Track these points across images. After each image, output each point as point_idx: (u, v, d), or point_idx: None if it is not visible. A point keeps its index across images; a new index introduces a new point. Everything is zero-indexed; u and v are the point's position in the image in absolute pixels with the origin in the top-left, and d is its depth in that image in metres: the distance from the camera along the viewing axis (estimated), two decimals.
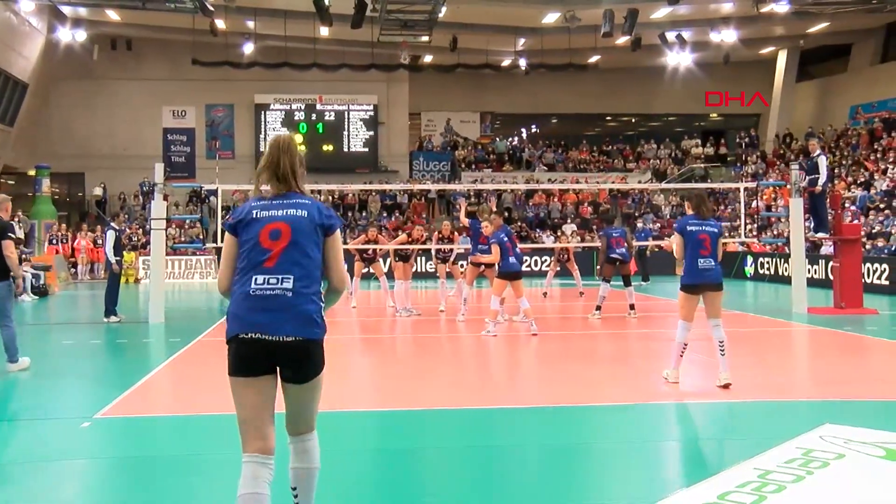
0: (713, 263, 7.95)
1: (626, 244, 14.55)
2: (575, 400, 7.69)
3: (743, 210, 19.62)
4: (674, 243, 8.14)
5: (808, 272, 19.24)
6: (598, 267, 13.85)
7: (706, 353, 10.36)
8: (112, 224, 15.00)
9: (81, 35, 29.51)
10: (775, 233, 25.32)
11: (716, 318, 8.05)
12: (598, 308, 14.23)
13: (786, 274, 21.44)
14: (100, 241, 27.48)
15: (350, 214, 31.94)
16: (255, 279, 3.55)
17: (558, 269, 20.55)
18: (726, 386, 7.84)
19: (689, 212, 8.37)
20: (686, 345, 8.15)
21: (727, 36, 29.57)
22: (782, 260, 22.93)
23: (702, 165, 35.51)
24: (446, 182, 34.25)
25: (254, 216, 3.66)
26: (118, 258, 14.63)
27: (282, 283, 3.53)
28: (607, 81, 36.45)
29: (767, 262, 24.62)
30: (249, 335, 3.54)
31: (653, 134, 38.96)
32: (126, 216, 30.82)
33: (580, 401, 7.66)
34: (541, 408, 7.31)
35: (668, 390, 7.99)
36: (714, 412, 7.21)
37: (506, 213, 32.20)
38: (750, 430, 6.54)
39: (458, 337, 12.60)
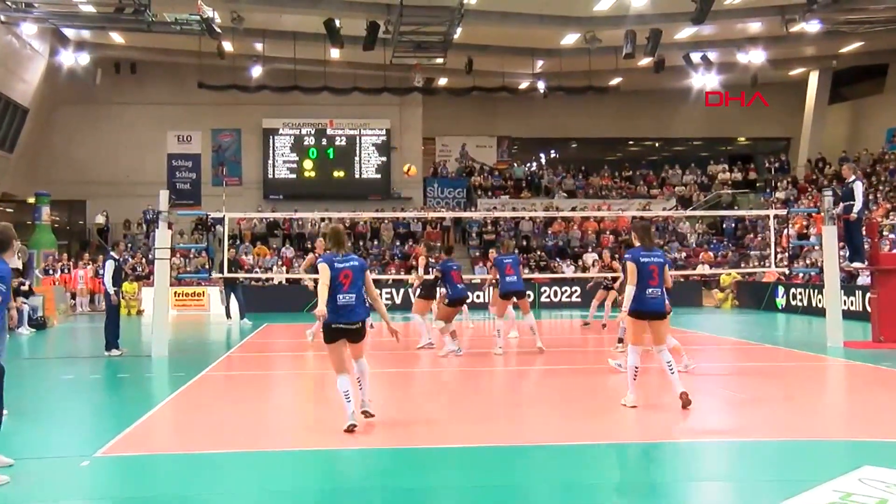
0: (659, 292, 8.74)
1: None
2: (592, 438, 7.63)
3: (773, 238, 19.50)
4: (627, 272, 8.83)
5: (844, 304, 19.07)
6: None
7: (735, 389, 10.27)
8: (112, 253, 14.82)
9: (84, 58, 29.90)
10: (808, 262, 25.17)
11: (660, 345, 8.83)
12: (621, 341, 14.12)
13: (820, 305, 21.27)
14: (102, 272, 27.61)
15: (361, 244, 32.02)
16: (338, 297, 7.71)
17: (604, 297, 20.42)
18: (683, 395, 8.52)
19: (636, 243, 9.04)
20: (638, 368, 8.81)
21: (755, 57, 29.60)
22: (816, 291, 22.78)
23: (729, 192, 35.43)
24: (462, 209, 34.26)
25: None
26: (116, 289, 14.57)
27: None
28: (629, 104, 36.51)
29: (800, 293, 24.46)
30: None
31: (677, 159, 38.94)
32: (129, 245, 31.05)
33: (597, 438, 7.60)
34: (554, 446, 7.27)
35: (695, 428, 7.92)
36: (744, 451, 7.13)
37: (523, 242, 32.26)
38: (782, 471, 6.46)
39: (495, 371, 12.56)
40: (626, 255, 9.04)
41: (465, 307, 16.52)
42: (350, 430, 7.65)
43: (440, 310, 14.09)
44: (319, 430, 8.31)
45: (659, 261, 8.82)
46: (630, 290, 8.71)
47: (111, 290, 14.41)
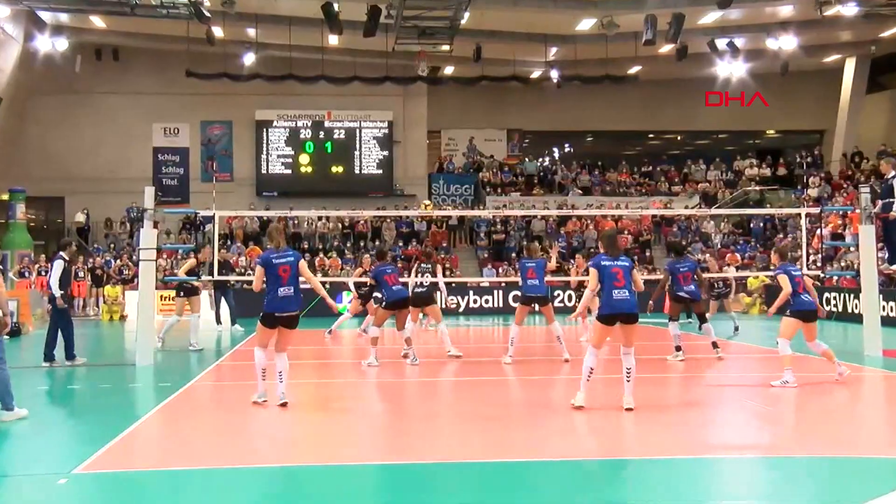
0: (627, 294, 9.29)
1: (695, 280, 14.41)
2: (623, 453, 7.58)
3: (805, 239, 19.41)
4: (589, 277, 9.48)
5: (883, 309, 18.97)
6: (651, 303, 13.74)
7: (764, 401, 10.21)
8: (62, 254, 14.21)
9: (62, 44, 29.88)
10: (843, 265, 25.05)
11: (629, 348, 9.39)
12: (679, 349, 14.06)
13: (856, 311, 21.17)
14: (81, 274, 27.65)
15: (362, 244, 32.00)
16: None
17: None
18: (629, 409, 9.03)
19: (602, 251, 9.72)
20: (593, 370, 9.42)
21: (786, 43, 29.50)
22: (852, 295, 22.67)
23: (757, 188, 35.33)
24: (469, 207, 34.24)
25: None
26: (63, 292, 14.04)
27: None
28: (649, 95, 36.49)
29: (834, 298, 24.35)
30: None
31: (701, 153, 38.88)
32: (111, 245, 31.08)
33: (628, 454, 7.55)
34: (587, 461, 7.24)
35: (722, 443, 7.86)
36: (775, 468, 7.07)
37: (536, 242, 32.12)
38: (817, 490, 6.41)
39: (506, 381, 12.52)
40: (589, 263, 9.77)
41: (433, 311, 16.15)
42: (261, 403, 9.73)
43: (377, 314, 14.52)
44: (313, 444, 8.31)
45: (623, 264, 9.47)
46: (588, 295, 9.62)
47: (57, 293, 13.87)
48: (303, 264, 9.86)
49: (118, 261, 29.28)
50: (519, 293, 14.66)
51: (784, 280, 11.36)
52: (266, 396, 9.87)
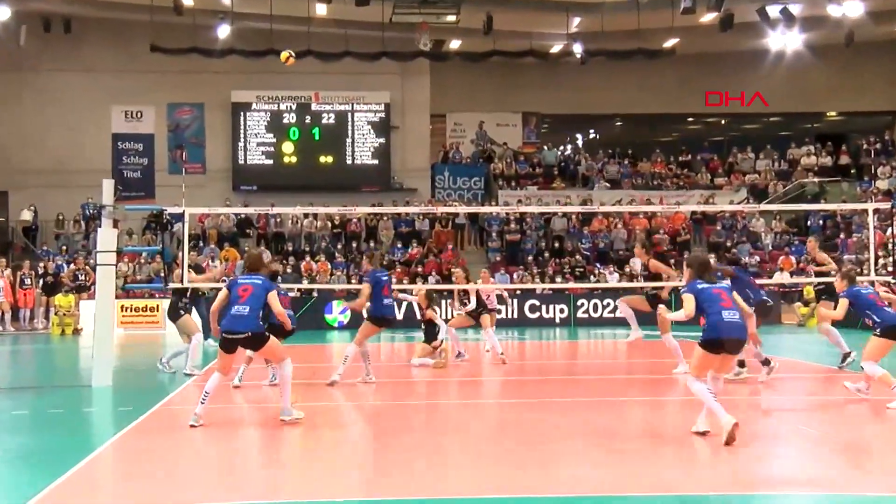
0: (738, 316, 9.36)
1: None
2: (654, 487, 7.42)
3: (872, 238, 19.21)
4: (684, 303, 9.58)
5: None
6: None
7: (819, 427, 10.04)
8: None
9: (4, 13, 29.69)
10: None
11: (723, 373, 9.88)
12: (767, 363, 13.74)
13: None
14: (28, 281, 27.52)
15: (354, 245, 31.84)
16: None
17: None
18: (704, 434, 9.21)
19: (688, 279, 9.86)
20: (712, 391, 9.29)
21: (850, 9, 29.33)
22: None
23: (815, 180, 35.18)
24: (479, 203, 34.09)
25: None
26: None
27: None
28: (688, 72, 36.40)
29: None
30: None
31: (749, 139, 38.77)
32: (63, 248, 30.96)
33: (663, 488, 7.40)
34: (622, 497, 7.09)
35: (779, 476, 7.69)
36: None
37: (555, 244, 32.08)
38: None
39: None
40: (683, 290, 9.93)
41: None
42: (193, 425, 10.07)
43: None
44: (297, 477, 8.22)
45: (725, 286, 9.79)
46: (678, 315, 9.70)
47: None
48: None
49: (71, 265, 29.16)
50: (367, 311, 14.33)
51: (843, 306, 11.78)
52: (196, 422, 10.18)
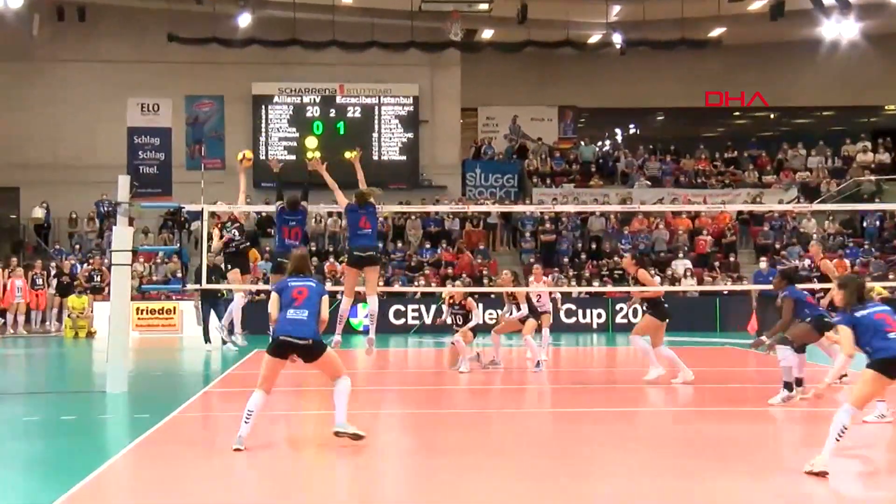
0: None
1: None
2: None
3: None
4: (841, 338, 8.82)
5: None
6: (754, 328, 13.33)
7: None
8: None
9: (16, 1, 29.92)
10: None
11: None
12: (800, 384, 13.24)
13: None
14: (39, 281, 27.66)
15: (381, 245, 31.81)
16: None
17: None
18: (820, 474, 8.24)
19: (840, 303, 9.05)
20: (846, 429, 8.40)
21: None
22: None
23: (871, 178, 34.77)
24: (512, 202, 33.97)
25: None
26: None
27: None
28: (735, 63, 36.13)
29: None
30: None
31: (800, 135, 38.40)
32: (77, 247, 31.11)
33: None
34: None
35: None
36: None
37: (592, 245, 31.94)
38: None
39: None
40: (836, 319, 9.46)
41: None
42: (237, 449, 9.42)
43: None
44: (318, 490, 8.22)
45: (885, 308, 8.91)
46: (842, 361, 8.90)
47: None
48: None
49: (86, 265, 29.28)
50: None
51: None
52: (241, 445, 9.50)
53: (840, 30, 31.84)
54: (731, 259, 31.33)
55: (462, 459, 9.31)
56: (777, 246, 31.36)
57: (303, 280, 10.06)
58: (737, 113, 39.95)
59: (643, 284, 15.18)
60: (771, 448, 10.32)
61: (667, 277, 29.03)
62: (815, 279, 17.66)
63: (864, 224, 33.03)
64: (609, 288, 27.70)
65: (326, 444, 9.92)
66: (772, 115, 40.14)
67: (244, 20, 30.95)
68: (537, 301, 17.79)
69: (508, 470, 8.87)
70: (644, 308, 15.52)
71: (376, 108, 34.77)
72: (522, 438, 10.90)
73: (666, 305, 15.11)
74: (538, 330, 17.47)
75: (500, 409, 13.32)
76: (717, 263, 30.72)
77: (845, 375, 13.54)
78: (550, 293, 19.06)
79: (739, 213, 32.49)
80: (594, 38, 34.02)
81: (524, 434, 11.30)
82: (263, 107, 34.56)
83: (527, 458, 9.52)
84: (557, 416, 12.75)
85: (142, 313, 27.31)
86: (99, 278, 28.37)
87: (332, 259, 30.16)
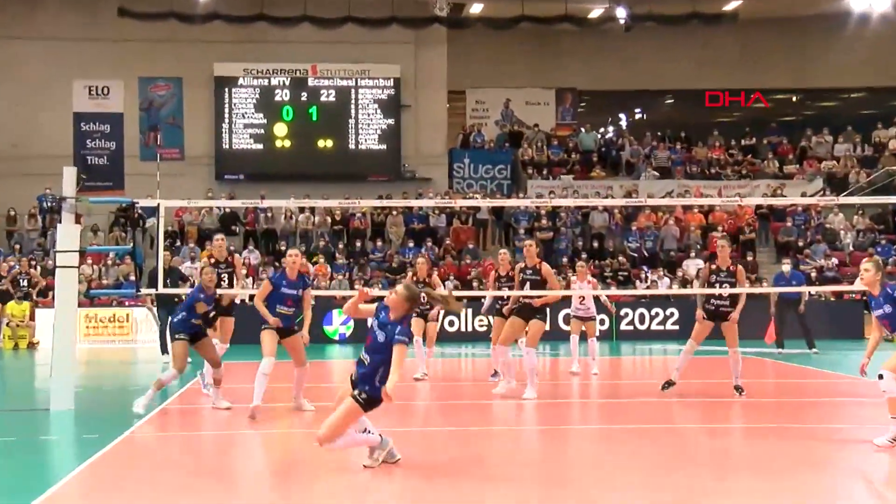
0: None
1: None
2: None
3: None
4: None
5: None
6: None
7: None
8: None
9: None
10: None
11: None
12: None
13: None
14: None
15: (359, 244, 31.79)
16: None
17: None
18: None
19: None
20: None
21: None
22: None
23: None
24: (505, 195, 33.97)
25: None
26: None
27: None
28: (752, 40, 36.31)
29: None
30: None
31: (825, 120, 38.59)
32: (16, 247, 30.93)
33: None
34: None
35: None
36: None
37: (594, 244, 31.96)
38: None
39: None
40: None
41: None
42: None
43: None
44: None
45: None
46: None
47: None
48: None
49: (16, 267, 29.02)
50: None
51: None
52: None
53: (870, 2, 31.91)
54: (749, 258, 31.31)
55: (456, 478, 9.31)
56: (800, 244, 31.42)
57: None
58: (754, 95, 40.04)
59: (545, 281, 14.95)
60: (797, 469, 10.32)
61: (677, 278, 29.05)
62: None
63: None
64: (613, 291, 27.71)
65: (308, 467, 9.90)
66: (794, 98, 40.27)
67: None
68: (580, 304, 17.88)
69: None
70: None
71: (353, 91, 34.72)
72: (514, 456, 10.90)
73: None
74: (584, 338, 18.06)
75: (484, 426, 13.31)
76: (738, 265, 30.66)
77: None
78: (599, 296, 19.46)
79: (758, 207, 32.54)
80: (596, 13, 34.06)
81: (513, 452, 11.30)
82: (227, 90, 34.47)
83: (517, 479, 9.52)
84: (556, 434, 12.74)
85: (90, 321, 27.22)
86: (26, 282, 28.03)
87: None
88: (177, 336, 13.80)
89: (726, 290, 15.39)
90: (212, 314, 14.13)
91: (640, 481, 9.36)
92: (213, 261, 15.97)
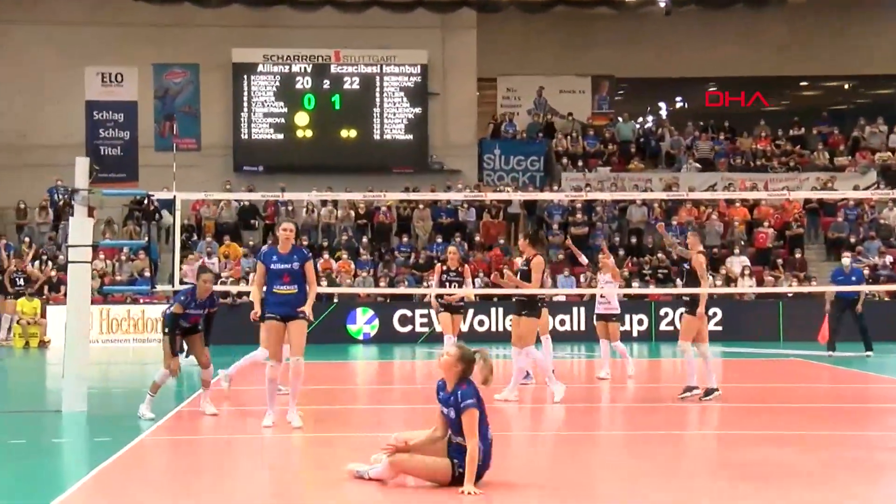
0: None
1: None
2: None
3: None
4: None
5: None
6: None
7: None
8: None
9: None
10: None
11: None
12: None
13: None
14: None
15: (383, 240, 31.79)
16: None
17: None
18: None
19: None
20: None
21: None
22: None
23: None
24: (537, 188, 33.91)
25: None
26: None
27: None
28: (801, 24, 36.13)
29: None
30: None
31: (880, 108, 38.36)
32: (26, 241, 31.06)
33: None
34: None
35: None
36: None
37: (632, 239, 31.87)
38: None
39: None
40: None
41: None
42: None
43: None
44: None
45: None
46: None
47: None
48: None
49: (24, 257, 29.16)
50: None
51: None
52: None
53: None
54: (797, 256, 31.22)
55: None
56: (852, 240, 31.22)
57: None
58: (804, 83, 39.83)
59: (530, 273, 14.85)
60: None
61: (720, 276, 28.92)
62: None
63: None
64: (652, 290, 27.62)
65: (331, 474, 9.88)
66: (846, 85, 40.00)
67: None
68: (601, 299, 17.84)
69: None
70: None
71: (378, 78, 34.72)
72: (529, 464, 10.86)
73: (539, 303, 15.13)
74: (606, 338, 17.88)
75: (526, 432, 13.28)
76: (780, 261, 30.57)
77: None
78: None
79: (807, 201, 32.39)
80: None
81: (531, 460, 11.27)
82: (245, 77, 34.53)
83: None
84: (585, 440, 12.69)
85: (104, 319, 27.30)
86: (21, 282, 28.11)
87: (325, 255, 30.05)
88: (166, 332, 13.73)
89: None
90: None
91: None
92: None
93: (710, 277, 17.37)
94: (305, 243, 30.69)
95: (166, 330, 13.67)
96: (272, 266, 12.52)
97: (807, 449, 11.33)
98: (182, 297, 13.61)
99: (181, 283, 15.92)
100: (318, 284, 13.41)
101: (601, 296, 17.94)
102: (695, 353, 14.70)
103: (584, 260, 20.03)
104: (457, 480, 8.82)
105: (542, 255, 15.04)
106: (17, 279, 28.23)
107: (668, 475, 10.01)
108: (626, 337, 27.96)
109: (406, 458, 9.01)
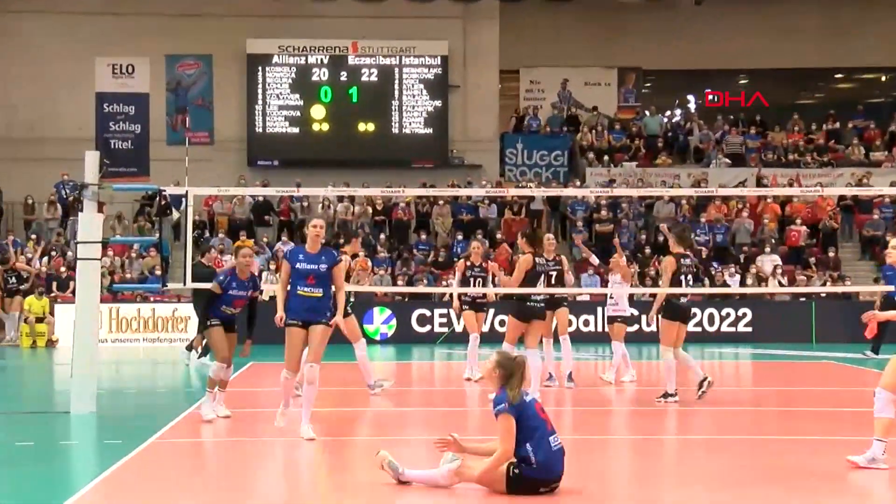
0: None
1: None
2: None
3: None
4: None
5: None
6: None
7: None
8: None
9: None
10: None
11: None
12: None
13: None
14: None
15: (401, 237, 31.81)
16: None
17: None
18: None
19: None
20: None
21: None
22: None
23: None
24: (561, 184, 33.88)
25: None
26: None
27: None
28: (837, 13, 36.08)
29: None
30: None
31: None
32: (33, 237, 31.18)
33: None
34: None
35: None
36: None
37: (658, 238, 31.75)
38: None
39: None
40: None
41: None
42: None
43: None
44: None
45: None
46: None
47: None
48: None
49: (43, 259, 29.28)
50: None
51: None
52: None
53: None
54: (831, 254, 31.14)
55: None
56: (888, 238, 31.10)
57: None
58: (839, 75, 39.70)
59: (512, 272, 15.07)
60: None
61: (751, 275, 28.87)
62: None
63: None
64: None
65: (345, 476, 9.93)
66: (883, 77, 39.82)
67: None
68: (610, 300, 17.86)
69: None
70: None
71: (396, 70, 34.76)
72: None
73: (529, 304, 14.98)
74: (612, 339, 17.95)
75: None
76: (812, 259, 30.49)
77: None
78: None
79: (841, 197, 32.29)
80: None
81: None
82: (260, 69, 34.60)
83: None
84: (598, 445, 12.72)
85: (113, 317, 27.36)
86: (15, 280, 28.08)
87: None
88: (210, 322, 13.43)
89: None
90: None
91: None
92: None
93: (709, 281, 17.17)
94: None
95: (211, 322, 13.32)
96: (297, 265, 12.20)
97: (838, 454, 11.34)
98: (221, 277, 13.46)
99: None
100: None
101: (610, 296, 17.97)
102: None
103: (594, 260, 20.03)
104: (512, 483, 8.83)
105: (534, 255, 15.04)
106: (8, 279, 28.09)
107: (712, 482, 10.05)
108: (652, 338, 28.01)
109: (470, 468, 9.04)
